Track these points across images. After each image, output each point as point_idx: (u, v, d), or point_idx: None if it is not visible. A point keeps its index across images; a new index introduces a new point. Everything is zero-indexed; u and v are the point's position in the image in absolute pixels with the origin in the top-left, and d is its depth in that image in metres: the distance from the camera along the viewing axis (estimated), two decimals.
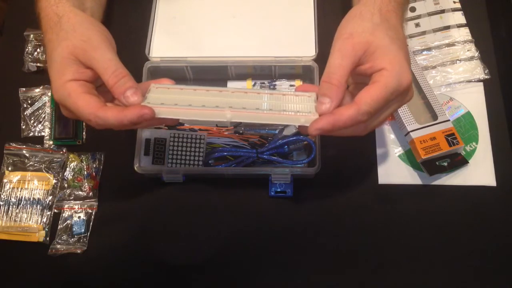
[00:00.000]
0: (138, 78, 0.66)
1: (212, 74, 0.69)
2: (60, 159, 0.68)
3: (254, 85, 0.70)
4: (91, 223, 0.65)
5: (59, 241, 0.64)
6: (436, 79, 0.69)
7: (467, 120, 0.68)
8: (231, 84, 0.70)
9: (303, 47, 0.67)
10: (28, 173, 0.67)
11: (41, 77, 0.72)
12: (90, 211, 0.65)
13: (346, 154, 0.66)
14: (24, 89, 0.71)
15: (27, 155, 0.68)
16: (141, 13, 0.73)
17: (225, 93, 0.52)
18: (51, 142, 0.69)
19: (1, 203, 0.66)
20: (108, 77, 0.49)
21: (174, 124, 0.63)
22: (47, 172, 0.67)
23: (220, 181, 0.66)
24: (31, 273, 0.64)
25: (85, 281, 0.63)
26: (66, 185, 0.66)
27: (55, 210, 0.65)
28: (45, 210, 0.65)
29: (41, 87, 0.71)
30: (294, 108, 0.49)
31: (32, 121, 0.70)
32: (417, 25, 0.73)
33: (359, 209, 0.64)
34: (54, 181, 0.67)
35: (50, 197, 0.66)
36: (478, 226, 0.63)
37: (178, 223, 0.65)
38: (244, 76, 0.70)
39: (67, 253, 0.63)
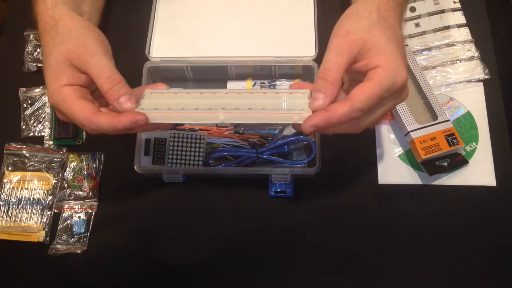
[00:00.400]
0: (138, 78, 0.66)
1: (212, 74, 0.69)
2: (60, 159, 0.68)
3: (254, 85, 0.70)
4: (91, 223, 0.65)
5: (59, 241, 0.64)
6: (436, 79, 0.69)
7: (467, 120, 0.68)
8: (231, 84, 0.70)
9: (303, 47, 0.67)
10: (28, 173, 0.67)
11: (41, 77, 0.70)
12: (90, 211, 0.65)
13: (346, 154, 0.66)
14: (24, 89, 0.71)
15: (27, 155, 0.68)
16: (141, 13, 0.73)
17: (219, 95, 0.52)
18: (51, 142, 0.69)
19: (1, 203, 0.66)
20: (102, 83, 0.50)
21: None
22: (47, 172, 0.67)
23: (220, 181, 0.66)
24: (31, 273, 0.64)
25: (85, 281, 0.63)
26: (66, 185, 0.66)
27: (55, 210, 0.65)
28: (45, 210, 0.65)
29: (41, 87, 0.71)
30: (288, 106, 0.49)
31: (32, 121, 0.70)
32: (417, 25, 0.73)
33: (359, 209, 0.64)
34: (54, 181, 0.67)
35: (50, 197, 0.66)
36: (478, 226, 0.63)
37: (178, 223, 0.65)
38: (244, 76, 0.70)
39: (67, 253, 0.63)
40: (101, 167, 0.67)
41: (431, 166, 0.63)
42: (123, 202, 0.66)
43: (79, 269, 0.63)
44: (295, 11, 0.70)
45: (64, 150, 0.68)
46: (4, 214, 0.65)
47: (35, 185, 0.67)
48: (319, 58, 0.65)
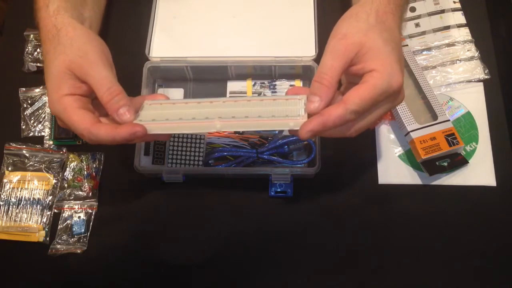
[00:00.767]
0: (138, 78, 0.67)
1: (212, 74, 0.69)
2: (60, 159, 0.68)
3: (254, 85, 0.70)
4: (91, 223, 0.65)
5: (59, 241, 0.64)
6: (436, 79, 0.69)
7: (467, 120, 0.68)
8: (231, 84, 0.70)
9: (303, 47, 0.67)
10: (28, 173, 0.67)
11: (41, 77, 0.70)
12: (90, 211, 0.65)
13: (346, 154, 0.66)
14: (24, 89, 0.71)
15: (27, 155, 0.68)
16: (141, 13, 0.73)
17: (216, 103, 0.53)
18: (51, 142, 0.69)
19: (1, 203, 0.66)
20: (102, 94, 0.51)
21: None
22: (47, 172, 0.67)
23: (220, 181, 0.66)
24: (31, 273, 0.64)
25: (85, 281, 0.63)
26: (66, 185, 0.66)
27: (55, 210, 0.65)
28: (45, 210, 0.65)
29: (41, 87, 0.71)
30: (284, 112, 0.50)
31: (32, 121, 0.70)
32: (417, 25, 0.73)
33: (359, 209, 0.64)
34: (54, 181, 0.67)
35: (50, 197, 0.66)
36: (478, 226, 0.63)
37: (178, 223, 0.65)
38: (244, 76, 0.70)
39: (67, 253, 0.63)
40: (101, 167, 0.67)
41: (431, 166, 0.63)
42: (123, 202, 0.66)
43: (79, 269, 0.63)
44: (295, 11, 0.70)
45: (64, 150, 0.68)
46: (4, 214, 0.65)
47: (35, 185, 0.67)
48: (319, 58, 0.64)
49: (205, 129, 0.51)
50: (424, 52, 0.71)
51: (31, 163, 0.68)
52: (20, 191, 0.66)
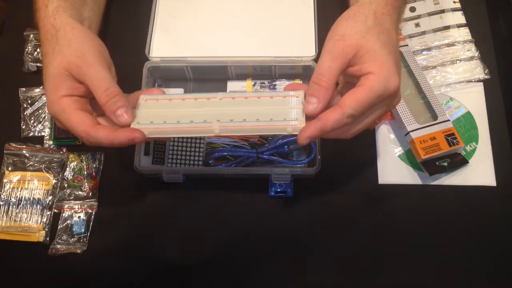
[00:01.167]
0: (138, 78, 0.66)
1: (212, 74, 0.69)
2: (60, 159, 0.68)
3: (254, 85, 0.70)
4: (91, 223, 0.65)
5: (59, 241, 0.64)
6: (436, 79, 0.69)
7: (467, 120, 0.68)
8: (231, 84, 0.70)
9: (303, 47, 0.67)
10: (28, 173, 0.67)
11: (41, 77, 0.70)
12: (90, 211, 0.65)
13: (346, 154, 0.66)
14: (24, 89, 0.71)
15: (27, 155, 0.68)
16: (141, 13, 0.73)
17: (213, 101, 0.53)
18: (51, 142, 0.69)
19: (1, 203, 0.66)
20: (100, 95, 0.51)
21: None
22: (47, 172, 0.67)
23: (220, 181, 0.66)
24: (31, 273, 0.64)
25: (85, 281, 0.63)
26: (66, 185, 0.66)
27: (55, 210, 0.65)
28: (45, 210, 0.65)
29: (41, 87, 0.71)
30: (282, 115, 0.50)
31: (32, 121, 0.70)
32: (417, 25, 0.72)
33: (359, 209, 0.64)
34: (54, 181, 0.67)
35: (50, 197, 0.66)
36: (478, 226, 0.63)
37: (178, 223, 0.65)
38: (244, 76, 0.70)
39: (67, 253, 0.63)
40: (101, 167, 0.67)
41: (431, 166, 0.63)
42: (123, 202, 0.66)
43: (79, 269, 0.63)
44: (295, 11, 0.70)
45: (64, 150, 0.68)
46: (4, 214, 0.65)
47: (35, 185, 0.67)
48: (318, 58, 0.65)
49: (203, 133, 0.52)
50: (424, 52, 0.71)
51: (31, 163, 0.68)
52: (20, 191, 0.66)
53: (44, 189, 0.66)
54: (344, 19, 0.51)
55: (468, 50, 0.70)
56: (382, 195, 0.65)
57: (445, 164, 0.63)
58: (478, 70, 0.69)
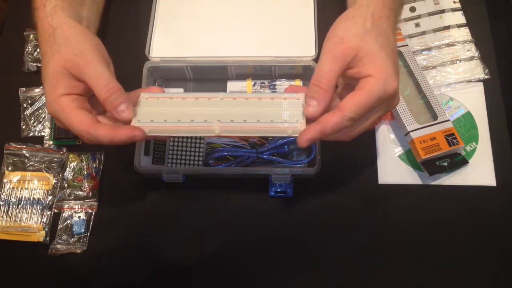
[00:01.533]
0: (138, 78, 0.66)
1: (212, 74, 0.69)
2: (60, 159, 0.68)
3: (254, 85, 0.70)
4: (91, 223, 0.65)
5: (59, 241, 0.64)
6: (436, 79, 0.69)
7: (467, 120, 0.68)
8: (231, 84, 0.70)
9: (303, 47, 0.67)
10: (28, 173, 0.67)
11: (41, 77, 0.72)
12: (90, 211, 0.65)
13: (346, 154, 0.66)
14: (24, 89, 0.71)
15: (27, 155, 0.68)
16: (141, 13, 0.73)
17: (214, 101, 0.53)
18: (51, 142, 0.69)
19: (1, 203, 0.66)
20: (100, 91, 0.50)
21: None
22: (47, 172, 0.67)
23: (220, 181, 0.66)
24: (31, 273, 0.64)
25: (85, 281, 0.63)
26: (66, 185, 0.66)
27: (55, 210, 0.65)
28: (45, 210, 0.65)
29: (41, 87, 0.71)
30: (282, 117, 0.50)
31: (32, 121, 0.70)
32: (417, 25, 0.72)
33: (359, 209, 0.64)
34: (54, 181, 0.67)
35: (50, 197, 0.66)
36: (478, 226, 0.63)
37: (178, 223, 0.65)
38: (244, 76, 0.70)
39: (67, 253, 0.63)
40: (101, 167, 0.67)
41: (431, 166, 0.63)
42: (123, 202, 0.66)
43: (79, 269, 0.63)
44: (295, 11, 0.70)
45: (64, 150, 0.68)
46: (4, 214, 0.65)
47: (35, 185, 0.67)
48: (318, 60, 0.65)
49: (204, 132, 0.52)
50: (424, 52, 0.71)
51: (31, 163, 0.68)
52: (20, 191, 0.66)
53: (44, 189, 0.66)
54: (343, 21, 0.51)
55: (468, 50, 0.70)
56: (382, 195, 0.65)
57: (445, 164, 0.63)
58: (478, 70, 0.69)
